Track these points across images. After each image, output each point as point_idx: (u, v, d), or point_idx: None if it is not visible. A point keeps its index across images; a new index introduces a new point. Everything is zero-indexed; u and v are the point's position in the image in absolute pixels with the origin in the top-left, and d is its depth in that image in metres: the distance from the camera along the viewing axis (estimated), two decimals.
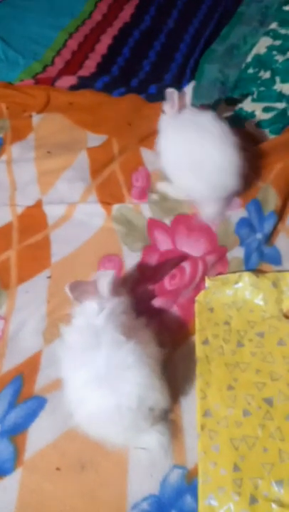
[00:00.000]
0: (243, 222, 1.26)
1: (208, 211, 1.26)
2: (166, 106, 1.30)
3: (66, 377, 0.93)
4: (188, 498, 0.87)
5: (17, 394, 1.05)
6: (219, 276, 1.14)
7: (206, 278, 1.14)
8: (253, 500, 0.85)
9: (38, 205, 1.44)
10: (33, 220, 1.41)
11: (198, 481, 0.88)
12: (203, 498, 0.86)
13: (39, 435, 0.99)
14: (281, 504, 0.84)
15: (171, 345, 1.08)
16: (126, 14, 2.15)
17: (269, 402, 0.95)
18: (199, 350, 1.05)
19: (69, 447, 0.96)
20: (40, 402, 1.03)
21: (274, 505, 0.84)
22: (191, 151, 1.21)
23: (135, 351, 0.89)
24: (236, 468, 0.88)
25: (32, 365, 1.10)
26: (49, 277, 1.27)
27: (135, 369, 0.87)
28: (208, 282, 1.13)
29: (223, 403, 0.96)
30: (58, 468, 0.94)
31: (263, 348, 1.03)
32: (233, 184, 1.22)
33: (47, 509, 0.90)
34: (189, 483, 0.89)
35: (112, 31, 2.08)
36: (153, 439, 0.91)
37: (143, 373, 0.87)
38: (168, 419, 0.96)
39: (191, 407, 0.98)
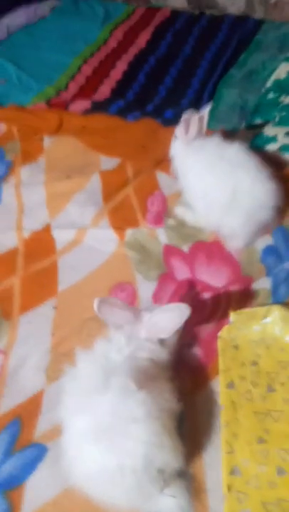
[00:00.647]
0: (270, 250, 1.15)
1: (235, 244, 1.15)
2: (179, 130, 1.22)
3: (64, 421, 0.81)
4: None
5: (14, 440, 0.92)
6: (245, 310, 1.02)
7: (230, 311, 1.02)
8: None
9: (47, 229, 1.34)
10: (40, 244, 1.31)
11: None
12: None
13: (37, 491, 0.85)
14: None
15: (190, 390, 0.95)
16: (142, 41, 2.13)
17: None
18: (224, 396, 0.91)
19: (71, 507, 0.82)
20: (39, 451, 0.90)
21: None
22: (224, 185, 1.12)
23: (145, 403, 0.76)
24: None
25: (32, 406, 0.97)
26: (55, 307, 1.16)
27: (143, 424, 0.74)
28: (232, 316, 1.01)
29: (254, 459, 0.82)
30: None
31: None
32: (268, 218, 1.13)
33: None
34: None
35: (128, 57, 2.05)
36: (167, 503, 0.77)
37: (152, 429, 0.74)
38: (185, 479, 0.82)
39: (215, 462, 0.84)
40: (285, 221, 1.19)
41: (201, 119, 1.21)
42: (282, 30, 2.00)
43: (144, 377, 0.81)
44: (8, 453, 0.90)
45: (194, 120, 1.19)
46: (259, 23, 2.08)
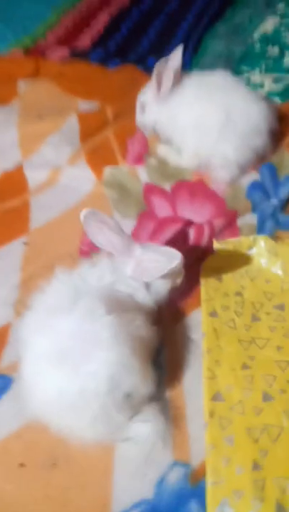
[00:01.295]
0: (255, 186, 1.09)
1: (222, 175, 1.09)
2: (152, 86, 1.15)
3: (23, 341, 0.72)
4: (193, 505, 0.66)
5: None
6: (230, 240, 0.96)
7: (214, 241, 0.96)
8: (281, 509, 0.64)
9: (19, 169, 1.25)
10: (11, 184, 1.22)
11: (206, 483, 0.67)
12: (213, 504, 0.64)
13: (1, 423, 0.77)
14: None
15: (169, 322, 0.88)
16: None
17: None
18: (206, 323, 0.85)
19: (37, 438, 0.74)
20: (4, 383, 0.82)
21: None
22: (217, 108, 1.06)
23: (113, 326, 0.68)
24: (256, 466, 0.67)
25: None
26: (26, 243, 1.07)
27: (109, 346, 0.66)
28: (216, 245, 0.95)
29: (237, 384, 0.76)
30: (21, 465, 0.72)
31: (285, 323, 0.84)
32: (264, 145, 1.08)
33: None
34: (194, 485, 0.67)
35: (110, 10, 1.96)
36: (141, 429, 0.70)
37: (118, 351, 0.66)
38: (159, 405, 0.75)
39: (196, 390, 0.77)
40: (272, 158, 1.13)
41: (174, 70, 1.12)
42: None
43: (117, 305, 0.73)
44: None
45: (168, 74, 1.12)
46: None
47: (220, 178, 1.09)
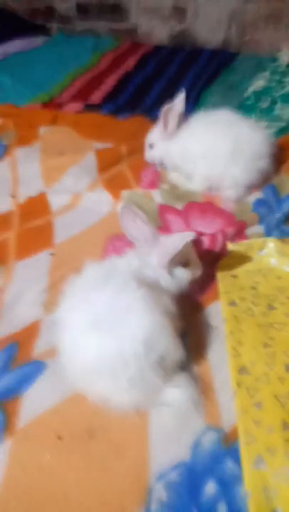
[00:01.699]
0: (260, 203, 1.21)
1: (230, 193, 1.22)
2: (159, 126, 1.32)
3: (61, 319, 0.78)
4: (228, 464, 0.68)
5: (11, 359, 0.88)
6: (242, 242, 1.06)
7: (228, 243, 1.05)
8: None
9: (42, 196, 1.37)
10: (35, 208, 1.33)
11: (239, 443, 0.70)
12: (249, 461, 0.67)
13: (36, 401, 0.80)
14: None
15: (190, 312, 0.94)
16: (129, 65, 2.32)
17: None
18: (226, 311, 0.92)
19: (74, 413, 0.77)
20: (38, 367, 0.86)
21: None
22: (225, 138, 1.21)
23: (144, 298, 0.75)
24: (286, 426, 0.71)
25: (29, 332, 0.94)
26: (52, 254, 1.15)
27: (142, 313, 0.73)
28: (230, 247, 1.04)
29: (261, 360, 0.81)
30: (59, 438, 0.74)
31: None
32: (267, 167, 1.22)
33: (43, 485, 0.68)
34: (228, 447, 0.70)
35: (117, 76, 2.22)
36: (174, 393, 0.74)
37: (151, 318, 0.73)
38: (190, 375, 0.80)
39: (221, 365, 0.83)
40: (273, 180, 1.27)
41: (179, 112, 1.28)
42: (256, 60, 2.23)
43: (145, 285, 0.81)
44: (6, 369, 0.85)
45: (173, 115, 1.28)
46: (235, 54, 2.33)
47: (228, 197, 1.21)
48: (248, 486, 0.65)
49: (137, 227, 0.87)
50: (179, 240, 0.83)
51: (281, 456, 0.67)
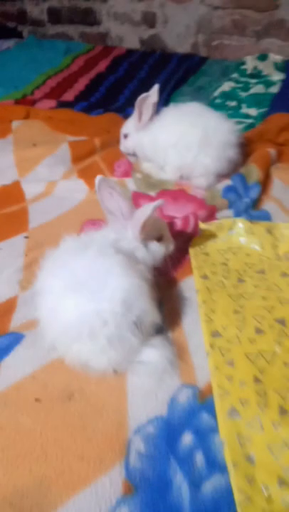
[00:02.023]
0: (229, 189, 1.27)
1: (201, 181, 1.27)
2: (134, 117, 1.37)
3: (40, 288, 0.80)
4: (204, 416, 0.71)
5: None
6: (213, 222, 1.10)
7: (200, 223, 1.10)
8: (283, 411, 0.70)
9: (15, 184, 1.38)
10: (9, 196, 1.34)
11: (214, 397, 0.73)
12: (223, 413, 0.70)
13: (14, 369, 0.81)
14: None
15: (166, 285, 0.98)
16: (101, 67, 2.38)
17: (281, 322, 0.86)
18: (199, 283, 0.96)
19: (52, 378, 0.79)
20: (15, 338, 0.87)
21: None
22: (195, 128, 1.28)
23: (123, 263, 0.78)
24: (257, 380, 0.75)
25: (6, 308, 0.95)
26: (26, 237, 1.17)
27: (121, 275, 0.75)
28: (202, 226, 1.09)
29: (232, 324, 0.85)
30: (37, 400, 0.75)
31: (266, 281, 0.96)
32: (235, 155, 1.29)
33: (22, 445, 0.69)
34: (203, 402, 0.73)
35: (89, 76, 2.27)
36: (151, 352, 0.77)
37: (129, 281, 0.75)
38: (166, 337, 0.83)
39: (196, 331, 0.86)
40: (241, 170, 1.34)
41: (153, 103, 1.34)
42: (224, 64, 2.33)
43: (123, 253, 0.83)
44: None
45: (147, 105, 1.33)
46: (203, 59, 2.42)
47: (199, 184, 1.26)
48: (223, 435, 0.68)
49: (114, 200, 0.90)
50: (148, 207, 0.86)
51: (253, 407, 0.71)
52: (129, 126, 1.43)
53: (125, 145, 1.45)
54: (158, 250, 0.94)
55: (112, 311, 0.72)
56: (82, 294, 0.73)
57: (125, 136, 1.44)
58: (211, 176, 1.28)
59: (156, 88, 1.34)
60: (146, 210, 0.85)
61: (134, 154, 1.45)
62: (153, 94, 1.34)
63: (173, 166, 1.34)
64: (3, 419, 0.73)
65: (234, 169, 1.33)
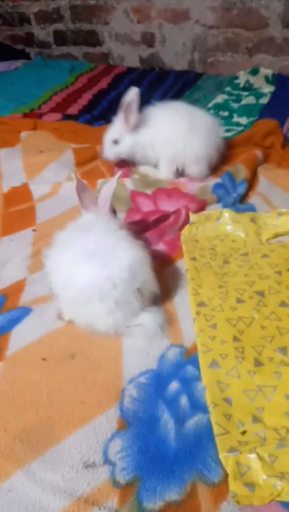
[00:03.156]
0: (219, 186, 1.39)
1: (195, 169, 1.41)
2: (120, 120, 1.47)
3: (53, 262, 0.91)
4: (189, 368, 0.81)
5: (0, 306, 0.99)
6: (202, 212, 1.22)
7: (190, 214, 1.21)
8: (258, 363, 0.81)
9: (24, 185, 1.51)
10: (18, 196, 1.47)
11: (198, 353, 0.83)
12: (205, 364, 0.81)
13: (24, 335, 0.92)
14: (287, 364, 0.80)
15: (160, 266, 1.09)
16: (103, 84, 2.54)
17: (261, 294, 0.96)
18: (188, 264, 1.07)
19: (57, 341, 0.90)
20: (25, 311, 0.98)
21: (280, 366, 0.80)
22: (182, 121, 1.43)
23: (127, 238, 0.91)
24: (236, 339, 0.85)
25: (16, 287, 1.06)
26: (34, 230, 1.29)
27: (126, 249, 0.87)
28: (192, 217, 1.20)
29: (216, 296, 0.96)
30: (44, 359, 0.86)
31: (249, 262, 1.07)
32: (220, 143, 1.44)
33: (30, 394, 0.80)
34: (188, 358, 0.84)
35: (92, 92, 2.43)
36: (147, 317, 0.88)
37: (135, 252, 0.88)
38: (160, 305, 0.94)
39: (184, 303, 0.97)
40: (230, 169, 1.46)
41: (136, 106, 1.44)
42: (218, 79, 2.49)
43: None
44: None
45: (133, 108, 1.44)
46: (199, 75, 2.58)
47: (193, 173, 1.39)
48: (205, 382, 0.78)
49: (87, 195, 1.01)
50: (111, 182, 0.99)
51: (232, 359, 0.81)
52: (118, 131, 1.50)
53: (117, 150, 1.51)
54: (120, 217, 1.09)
55: (120, 277, 0.83)
56: (95, 262, 0.84)
57: (115, 141, 1.51)
58: (201, 163, 1.42)
59: (136, 91, 1.44)
60: (111, 184, 0.98)
61: (125, 158, 1.54)
62: (135, 97, 1.45)
63: (167, 158, 1.46)
64: (14, 374, 0.84)
65: (221, 158, 1.46)
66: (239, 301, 0.94)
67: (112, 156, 1.54)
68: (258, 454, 0.68)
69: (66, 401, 0.78)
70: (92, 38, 2.81)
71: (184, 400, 0.76)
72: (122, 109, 1.46)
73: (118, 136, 1.51)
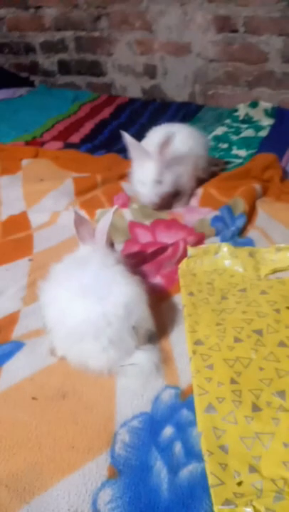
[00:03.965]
0: (217, 219, 1.38)
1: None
2: (157, 151, 1.43)
3: (48, 297, 0.89)
4: (184, 412, 0.78)
5: None
6: (200, 246, 1.21)
7: (188, 247, 1.20)
8: (256, 408, 0.78)
9: (22, 214, 1.51)
10: (16, 224, 1.46)
11: (194, 396, 0.81)
12: (201, 408, 0.78)
13: (14, 372, 0.89)
14: (286, 410, 0.77)
15: (155, 303, 1.07)
16: (106, 113, 2.58)
17: (259, 333, 0.94)
18: (185, 299, 1.05)
19: (49, 379, 0.87)
20: (17, 345, 0.96)
21: (279, 412, 0.77)
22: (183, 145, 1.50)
23: (124, 273, 0.89)
24: (233, 381, 0.83)
25: (10, 320, 1.04)
26: (31, 260, 1.28)
27: (122, 285, 0.86)
28: (190, 250, 1.19)
29: (213, 334, 0.94)
30: (34, 398, 0.83)
31: (247, 298, 1.05)
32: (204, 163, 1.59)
33: (18, 436, 0.77)
34: (184, 400, 0.81)
35: (94, 121, 2.46)
36: (142, 355, 0.85)
37: (130, 289, 0.86)
38: (155, 342, 0.92)
39: (180, 340, 0.94)
40: (229, 202, 1.46)
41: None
42: (218, 111, 2.52)
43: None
44: None
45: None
46: (200, 107, 2.62)
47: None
48: (200, 428, 0.75)
49: (84, 228, 1.00)
50: (107, 216, 0.99)
51: (228, 403, 0.78)
52: (159, 171, 1.42)
53: (162, 190, 1.43)
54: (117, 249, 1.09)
55: (116, 314, 0.81)
56: (90, 299, 0.83)
57: (159, 182, 1.43)
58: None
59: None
60: (108, 217, 0.98)
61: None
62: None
63: (169, 179, 1.45)
64: (2, 414, 0.81)
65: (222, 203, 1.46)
66: (237, 340, 0.92)
67: (159, 197, 1.44)
68: (254, 507, 0.65)
69: (55, 444, 0.75)
70: (95, 69, 2.87)
71: (178, 447, 0.73)
72: (158, 149, 1.41)
73: (160, 177, 1.43)
